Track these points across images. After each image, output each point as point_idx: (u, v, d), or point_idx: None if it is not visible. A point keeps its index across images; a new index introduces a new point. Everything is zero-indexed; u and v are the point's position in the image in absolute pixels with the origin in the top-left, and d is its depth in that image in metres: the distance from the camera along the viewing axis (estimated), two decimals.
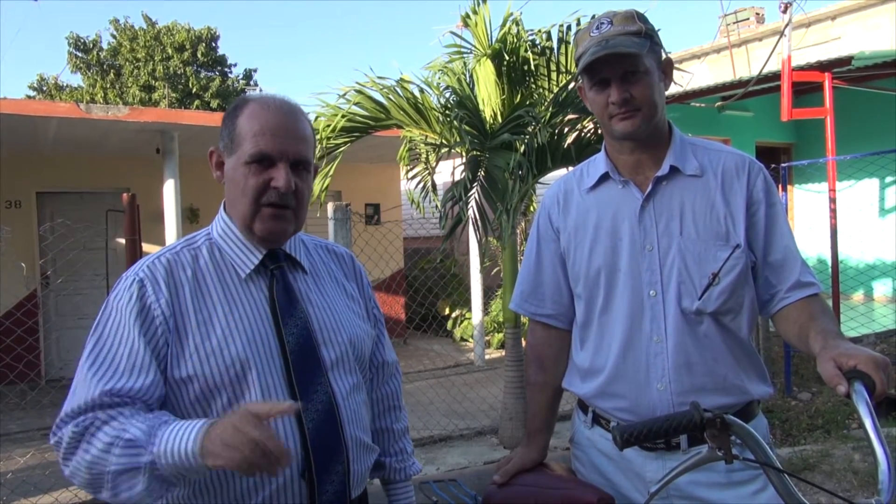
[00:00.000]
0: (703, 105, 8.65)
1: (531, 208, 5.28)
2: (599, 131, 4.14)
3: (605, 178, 1.55)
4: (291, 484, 1.22)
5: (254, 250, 1.31)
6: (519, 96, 4.65)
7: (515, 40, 4.55)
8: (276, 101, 1.30)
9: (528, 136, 4.23)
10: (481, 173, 4.29)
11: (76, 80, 22.65)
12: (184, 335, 1.21)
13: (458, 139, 4.43)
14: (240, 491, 1.21)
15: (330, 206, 4.34)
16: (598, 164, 1.59)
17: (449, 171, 8.20)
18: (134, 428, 1.09)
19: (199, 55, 20.99)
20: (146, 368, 1.17)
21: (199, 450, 1.03)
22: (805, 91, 8.09)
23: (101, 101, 19.53)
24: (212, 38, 21.56)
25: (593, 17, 1.88)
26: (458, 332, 9.18)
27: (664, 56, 1.51)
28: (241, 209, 1.28)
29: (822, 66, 7.06)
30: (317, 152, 4.68)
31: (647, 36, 1.43)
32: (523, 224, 6.91)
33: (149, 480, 1.07)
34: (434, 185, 4.98)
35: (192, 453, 1.04)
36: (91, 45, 21.34)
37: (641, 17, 1.45)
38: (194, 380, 1.19)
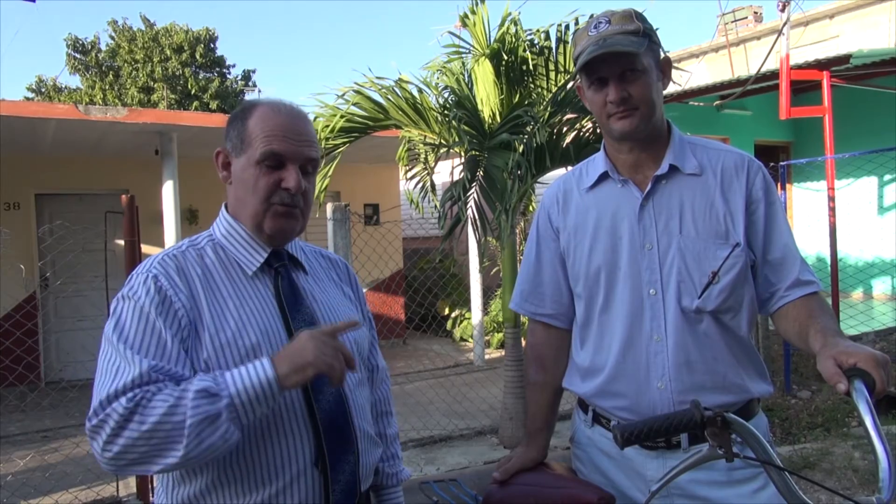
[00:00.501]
0: (701, 104, 8.66)
1: (530, 208, 5.28)
2: (598, 131, 4.15)
3: (604, 177, 1.55)
4: (305, 473, 1.23)
5: (259, 249, 1.33)
6: (517, 96, 4.66)
7: (514, 40, 4.56)
8: (285, 105, 1.34)
9: (526, 136, 4.23)
10: (480, 173, 4.29)
11: (75, 81, 22.66)
12: (200, 328, 1.22)
13: (456, 139, 4.43)
14: (252, 482, 1.21)
15: (329, 207, 4.33)
16: (597, 163, 1.59)
17: (448, 171, 8.21)
18: (198, 382, 1.12)
19: (197, 56, 20.99)
20: (176, 359, 1.17)
21: (275, 375, 1.13)
22: (803, 89, 8.10)
23: (100, 102, 19.51)
24: (210, 40, 21.56)
25: (592, 16, 1.88)
26: (457, 332, 9.18)
27: (662, 55, 1.51)
28: (250, 208, 1.31)
29: (821, 65, 7.07)
30: None
31: (645, 35, 1.43)
32: (522, 224, 6.91)
33: (228, 424, 1.10)
34: (433, 186, 4.99)
35: (272, 379, 1.13)
36: (89, 47, 21.33)
37: (639, 16, 1.45)
38: (210, 372, 1.20)
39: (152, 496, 3.61)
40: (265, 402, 1.13)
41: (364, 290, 1.62)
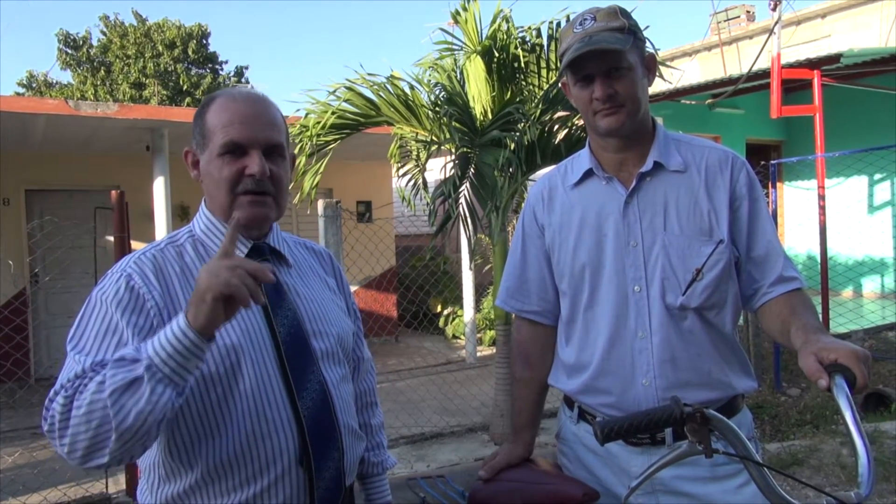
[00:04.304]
0: (693, 102, 8.69)
1: (522, 206, 5.28)
2: None
3: (589, 174, 1.56)
4: (289, 471, 1.23)
5: (238, 244, 1.30)
6: (509, 93, 4.65)
7: (505, 37, 4.56)
8: (242, 92, 1.31)
9: (517, 133, 4.24)
10: (471, 170, 4.29)
11: (66, 77, 22.51)
12: None
13: (447, 136, 4.44)
14: (237, 481, 1.21)
15: (320, 204, 4.33)
16: (582, 160, 1.59)
17: (440, 168, 8.21)
18: (121, 352, 1.09)
19: (189, 52, 20.88)
20: None
21: (186, 322, 1.05)
22: (795, 88, 8.15)
23: (92, 98, 19.39)
24: (202, 35, 21.45)
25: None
26: (449, 330, 9.18)
27: (648, 52, 1.51)
28: (219, 201, 1.29)
29: (812, 64, 7.11)
30: (307, 149, 4.70)
31: (631, 32, 1.43)
32: (514, 221, 6.92)
33: (153, 385, 1.04)
34: (425, 183, 4.99)
35: (184, 326, 1.05)
36: (81, 42, 21.19)
37: (624, 13, 1.45)
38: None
39: None
40: (187, 352, 1.05)
41: (355, 287, 1.60)
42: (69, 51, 21.05)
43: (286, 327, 1.28)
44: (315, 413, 1.27)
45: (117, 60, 20.64)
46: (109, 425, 1.04)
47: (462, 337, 8.59)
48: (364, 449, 1.48)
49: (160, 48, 20.49)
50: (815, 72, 7.06)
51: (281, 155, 1.31)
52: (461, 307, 8.55)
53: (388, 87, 4.62)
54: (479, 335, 8.50)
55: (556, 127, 4.49)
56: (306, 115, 4.77)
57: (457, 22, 4.73)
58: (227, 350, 1.21)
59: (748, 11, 15.86)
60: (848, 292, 9.41)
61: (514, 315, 1.73)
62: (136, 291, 1.20)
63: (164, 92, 19.99)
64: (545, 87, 4.63)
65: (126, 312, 1.18)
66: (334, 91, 4.68)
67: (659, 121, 1.59)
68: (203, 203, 1.36)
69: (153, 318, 1.19)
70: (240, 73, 22.56)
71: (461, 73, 4.77)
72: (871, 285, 9.47)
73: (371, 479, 1.57)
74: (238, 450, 1.20)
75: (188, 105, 18.92)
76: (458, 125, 4.36)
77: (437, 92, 4.76)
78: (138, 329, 1.17)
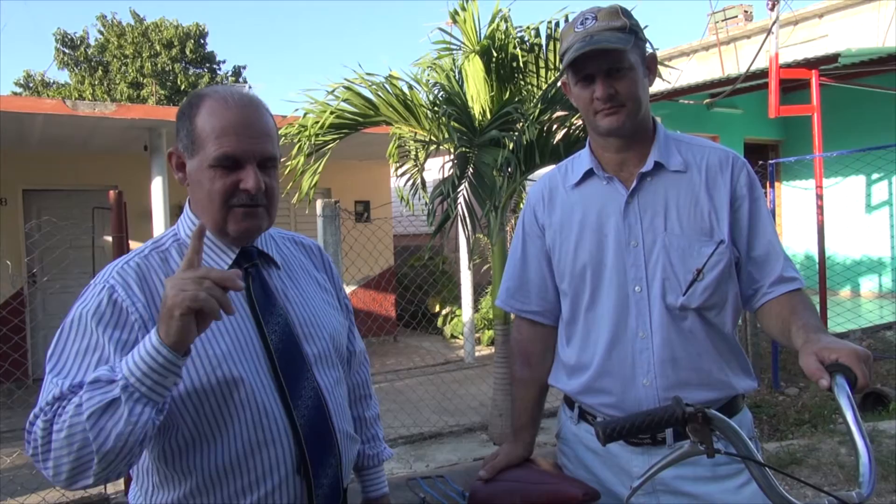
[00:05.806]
0: (691, 102, 8.69)
1: (520, 205, 5.28)
2: None
3: (589, 174, 1.55)
4: (287, 481, 1.21)
5: (226, 250, 1.27)
6: (508, 93, 4.65)
7: (504, 37, 4.55)
8: (234, 95, 1.23)
9: (516, 133, 4.24)
10: (470, 170, 4.29)
11: (63, 76, 22.48)
12: None
13: (446, 136, 4.44)
14: (234, 490, 1.19)
15: (319, 203, 4.33)
16: (582, 160, 1.59)
17: (438, 168, 8.20)
18: (94, 373, 1.06)
19: (187, 52, 20.88)
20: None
21: (158, 338, 1.02)
22: (793, 88, 8.16)
23: (89, 97, 19.36)
24: (200, 35, 21.44)
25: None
26: (448, 330, 9.17)
27: (648, 51, 1.51)
28: (211, 213, 1.23)
29: (809, 64, 7.11)
30: (305, 148, 4.69)
31: (632, 31, 1.42)
32: (513, 221, 6.91)
33: (131, 405, 1.01)
34: (423, 182, 4.99)
35: (156, 343, 1.02)
36: (78, 42, 21.17)
37: (626, 13, 1.45)
38: (180, 384, 1.16)
39: None
40: (162, 370, 1.02)
41: (354, 287, 1.58)
42: (67, 50, 21.04)
43: (278, 334, 1.25)
44: (311, 421, 1.25)
45: (115, 60, 20.63)
46: (90, 448, 1.02)
47: (460, 337, 8.59)
48: (358, 449, 1.47)
49: (158, 48, 20.48)
50: (813, 71, 7.07)
51: (274, 165, 1.26)
52: (459, 307, 8.54)
53: (387, 86, 4.62)
54: (477, 335, 8.49)
55: (555, 127, 4.49)
56: (305, 114, 4.77)
57: (455, 21, 4.73)
58: (217, 361, 1.18)
59: (746, 11, 15.87)
60: (846, 292, 9.42)
61: (514, 315, 1.72)
62: (118, 305, 1.16)
63: (162, 91, 19.97)
64: (544, 86, 4.63)
65: (108, 328, 1.14)
66: (333, 91, 4.67)
67: (659, 120, 1.58)
68: (187, 205, 1.31)
69: (138, 332, 1.15)
70: (237, 72, 22.56)
71: (460, 72, 4.77)
72: (868, 285, 9.49)
73: (367, 470, 1.56)
74: (235, 459, 1.19)
75: None
76: (456, 125, 4.36)
77: (435, 92, 4.76)
78: (121, 344, 1.13)
